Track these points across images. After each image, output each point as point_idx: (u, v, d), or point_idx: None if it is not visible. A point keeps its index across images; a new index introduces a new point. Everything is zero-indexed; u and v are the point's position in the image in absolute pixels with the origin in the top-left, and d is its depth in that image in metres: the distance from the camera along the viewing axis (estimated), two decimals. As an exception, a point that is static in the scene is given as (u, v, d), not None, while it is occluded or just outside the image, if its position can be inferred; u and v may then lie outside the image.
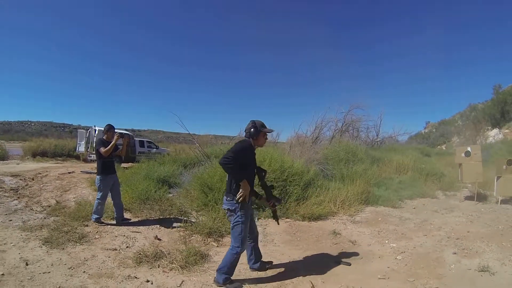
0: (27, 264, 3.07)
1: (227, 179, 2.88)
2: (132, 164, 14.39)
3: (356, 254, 3.67)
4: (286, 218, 5.16)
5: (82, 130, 13.69)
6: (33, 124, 52.72)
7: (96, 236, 4.09)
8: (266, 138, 3.05)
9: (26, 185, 7.54)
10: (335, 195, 5.92)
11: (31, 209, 5.39)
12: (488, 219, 5.17)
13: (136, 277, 2.94)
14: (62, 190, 7.30)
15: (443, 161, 11.72)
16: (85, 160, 15.13)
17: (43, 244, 3.64)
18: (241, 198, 2.67)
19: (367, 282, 2.90)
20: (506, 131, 16.83)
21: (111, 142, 4.68)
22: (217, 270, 2.84)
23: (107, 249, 3.65)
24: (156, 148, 15.53)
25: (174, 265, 3.18)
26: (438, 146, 20.80)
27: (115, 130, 5.02)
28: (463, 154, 6.73)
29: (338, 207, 5.69)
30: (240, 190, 2.68)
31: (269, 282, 2.91)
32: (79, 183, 8.21)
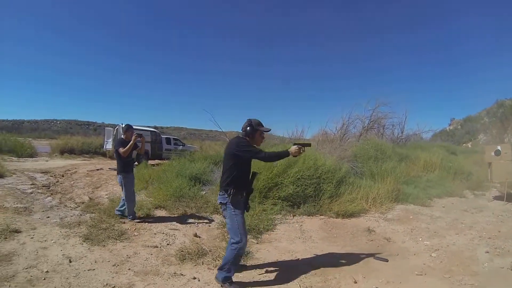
0: (70, 261, 3.21)
1: (222, 176, 2.98)
2: (159, 161, 14.99)
3: (391, 250, 4.00)
4: (320, 215, 5.51)
5: (110, 128, 14.20)
6: (58, 123, 55.28)
7: (135, 233, 4.28)
8: (263, 137, 3.08)
9: (57, 182, 8.08)
10: (367, 193, 6.23)
11: (66, 206, 5.71)
12: (519, 220, 5.37)
13: (182, 274, 3.11)
14: (93, 186, 7.79)
15: (470, 159, 11.72)
16: (112, 157, 15.90)
17: (84, 241, 3.81)
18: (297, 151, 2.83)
19: (405, 278, 3.21)
20: None
21: (130, 142, 4.80)
22: (218, 268, 2.93)
23: (148, 246, 3.83)
24: (182, 146, 15.86)
25: (218, 262, 3.31)
26: (464, 144, 20.52)
27: (135, 128, 5.36)
28: (493, 153, 6.87)
29: (370, 205, 6.01)
30: (295, 152, 2.82)
31: (313, 277, 3.20)
32: (109, 180, 8.74)
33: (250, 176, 3.01)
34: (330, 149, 8.82)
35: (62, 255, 3.38)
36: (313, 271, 3.33)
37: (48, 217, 4.77)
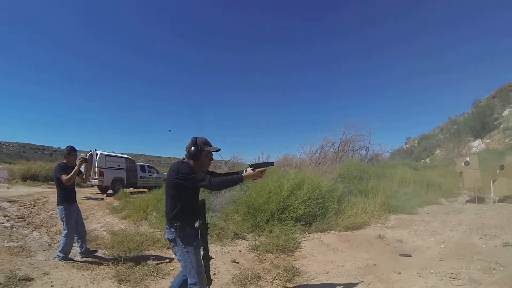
0: None
1: (166, 207, 2.66)
2: (133, 189, 14.68)
3: (408, 249, 4.86)
4: (330, 230, 6.25)
5: (82, 154, 13.96)
6: (11, 145, 50.59)
7: (171, 268, 4.30)
8: (211, 159, 2.75)
9: (30, 213, 7.64)
10: (365, 207, 7.18)
11: (58, 242, 5.23)
12: (493, 214, 6.66)
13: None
14: None
15: (435, 173, 13.51)
16: (80, 185, 15.22)
17: (119, 283, 3.69)
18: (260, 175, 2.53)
19: (433, 264, 4.04)
20: (488, 141, 19.55)
21: (73, 167, 4.46)
22: None
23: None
24: (157, 173, 15.89)
25: (277, 281, 3.75)
26: (422, 160, 23.15)
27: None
28: (462, 164, 8.38)
29: (369, 217, 6.93)
30: (255, 173, 2.51)
31: (366, 276, 3.83)
32: (92, 210, 8.68)
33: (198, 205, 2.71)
34: (309, 171, 9.76)
35: None
36: (362, 272, 4.00)
37: (55, 257, 4.45)
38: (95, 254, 4.79)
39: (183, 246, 2.52)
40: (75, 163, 4.45)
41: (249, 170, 2.52)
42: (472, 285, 3.26)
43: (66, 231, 4.40)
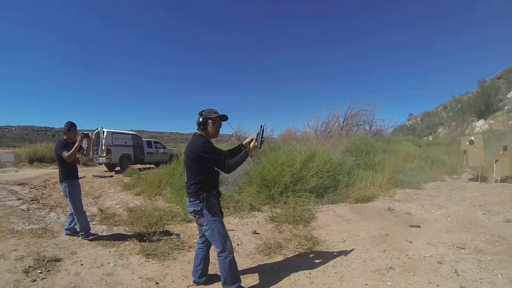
0: (157, 283, 3.15)
1: (185, 181, 2.87)
2: (141, 165, 15.02)
3: (417, 220, 5.29)
4: (342, 202, 6.65)
5: (89, 132, 14.12)
6: (13, 129, 51.09)
7: (194, 241, 4.43)
8: (219, 126, 2.89)
9: (42, 194, 7.91)
10: (373, 181, 7.58)
11: None
12: (495, 192, 7.10)
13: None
14: (91, 197, 7.92)
15: (439, 150, 13.89)
16: (86, 164, 15.58)
17: (147, 257, 3.80)
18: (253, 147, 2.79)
19: (440, 235, 4.45)
20: (491, 121, 19.88)
21: (73, 143, 4.38)
22: (223, 284, 2.82)
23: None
24: (163, 148, 16.17)
25: (302, 248, 4.04)
26: (425, 137, 23.55)
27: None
28: (467, 143, 8.71)
29: (378, 190, 7.35)
30: (251, 145, 2.80)
31: (380, 245, 4.20)
32: (104, 188, 8.98)
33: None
34: (316, 144, 10.08)
35: (139, 277, 3.27)
36: (376, 240, 4.40)
37: (79, 236, 4.56)
38: (114, 231, 4.91)
39: (210, 215, 2.74)
40: (76, 139, 4.36)
41: (252, 143, 2.79)
42: (478, 254, 3.67)
43: (73, 209, 4.41)
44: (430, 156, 11.49)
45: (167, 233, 4.78)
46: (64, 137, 4.49)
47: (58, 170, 4.52)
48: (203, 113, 2.81)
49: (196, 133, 2.90)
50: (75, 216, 4.42)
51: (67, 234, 4.59)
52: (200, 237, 3.13)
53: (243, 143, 3.04)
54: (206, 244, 3.08)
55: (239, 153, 2.91)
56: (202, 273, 3.10)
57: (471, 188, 7.79)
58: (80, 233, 4.47)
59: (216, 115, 2.80)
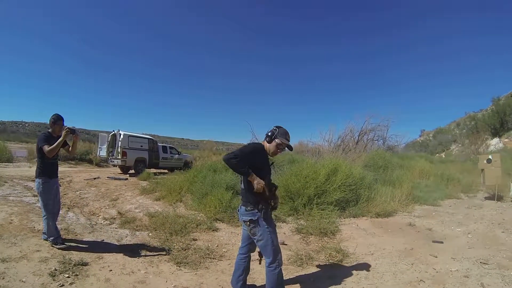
0: None
1: (241, 188, 2.92)
2: (155, 170, 15.32)
3: (438, 236, 5.66)
4: (363, 216, 7.03)
5: (104, 134, 14.38)
6: (27, 125, 52.48)
7: (224, 250, 4.59)
8: (280, 149, 2.96)
9: None
10: (392, 196, 7.97)
11: (99, 223, 5.63)
12: (512, 211, 7.44)
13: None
14: (109, 199, 8.09)
15: (452, 168, 14.23)
16: (99, 165, 16.21)
17: (179, 266, 3.82)
18: (260, 189, 2.72)
19: (463, 251, 4.81)
20: (506, 140, 20.19)
21: (58, 138, 4.08)
22: None
23: (253, 260, 3.58)
24: (178, 154, 16.67)
25: (333, 258, 4.32)
26: (437, 154, 23.83)
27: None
28: (485, 161, 9.09)
29: (397, 206, 7.73)
30: (254, 184, 2.72)
31: (407, 258, 4.55)
32: (121, 190, 9.20)
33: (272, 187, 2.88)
34: (333, 158, 10.49)
35: (174, 286, 3.29)
36: (402, 254, 4.74)
37: (102, 240, 4.59)
38: (138, 237, 4.88)
39: (266, 226, 2.80)
40: (61, 134, 4.05)
41: (261, 185, 2.72)
42: (501, 269, 4.05)
43: (44, 209, 4.08)
44: (446, 173, 11.85)
45: (194, 241, 4.92)
46: (49, 130, 4.23)
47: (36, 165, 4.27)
48: (278, 129, 2.91)
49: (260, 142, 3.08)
50: (43, 219, 4.12)
51: (45, 239, 4.21)
52: (241, 247, 3.22)
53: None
54: (248, 255, 3.17)
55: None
56: (243, 284, 3.17)
57: (488, 207, 8.15)
58: (49, 238, 4.09)
59: (286, 142, 2.92)
